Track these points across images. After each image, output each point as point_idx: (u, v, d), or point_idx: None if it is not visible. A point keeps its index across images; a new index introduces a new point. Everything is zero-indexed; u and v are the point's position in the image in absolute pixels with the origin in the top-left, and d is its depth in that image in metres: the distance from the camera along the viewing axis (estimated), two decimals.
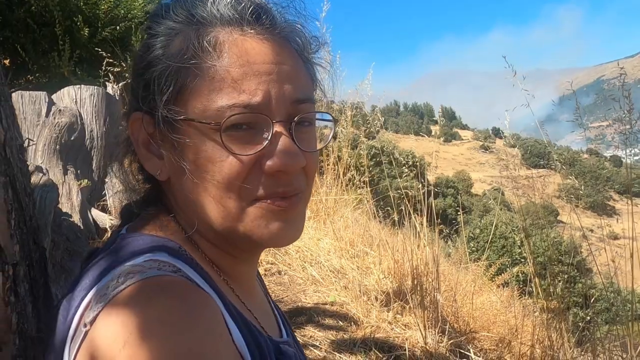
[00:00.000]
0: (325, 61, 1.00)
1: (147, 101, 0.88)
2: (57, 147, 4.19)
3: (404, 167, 4.43)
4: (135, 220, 0.95)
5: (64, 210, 3.59)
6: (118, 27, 7.08)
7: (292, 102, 0.87)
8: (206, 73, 0.83)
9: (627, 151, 3.55)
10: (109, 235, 3.72)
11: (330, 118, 1.00)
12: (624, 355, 3.25)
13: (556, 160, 3.99)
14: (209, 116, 0.82)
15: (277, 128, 0.85)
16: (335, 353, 3.12)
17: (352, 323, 3.53)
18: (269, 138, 0.84)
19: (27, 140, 3.47)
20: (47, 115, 4.35)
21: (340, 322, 3.53)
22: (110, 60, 5.40)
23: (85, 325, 0.71)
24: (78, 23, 6.55)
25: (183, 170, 0.86)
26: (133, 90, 0.91)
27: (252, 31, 0.86)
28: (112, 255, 0.82)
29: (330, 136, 1.03)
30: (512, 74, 3.57)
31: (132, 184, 1.00)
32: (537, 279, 3.68)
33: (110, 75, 5.58)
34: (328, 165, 5.75)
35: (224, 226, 0.87)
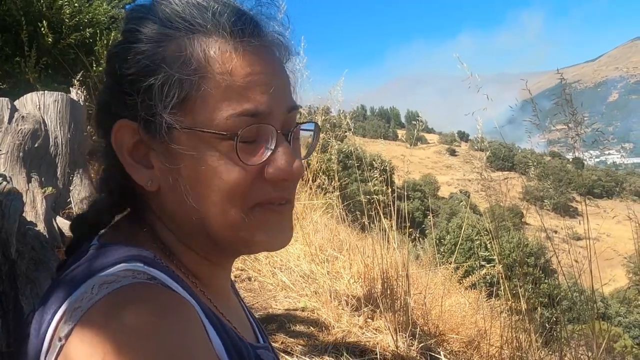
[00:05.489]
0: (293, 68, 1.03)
1: (137, 109, 0.86)
2: (21, 154, 4.09)
3: (375, 171, 4.46)
4: (106, 231, 0.94)
5: (28, 219, 3.51)
6: (82, 33, 6.96)
7: (287, 110, 0.90)
8: (211, 83, 0.83)
9: (588, 153, 3.64)
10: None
11: (313, 127, 1.04)
12: (589, 354, 3.32)
13: (530, 164, 4.08)
14: (217, 125, 0.83)
15: (279, 138, 0.87)
16: (307, 359, 3.12)
17: (324, 328, 3.53)
18: (273, 147, 0.86)
19: None
20: (9, 122, 4.25)
21: (311, 328, 3.53)
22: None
23: (60, 340, 0.70)
24: (42, 29, 6.42)
25: (178, 180, 0.85)
26: (116, 97, 0.88)
27: (254, 42, 0.87)
28: (85, 267, 0.80)
29: (313, 144, 1.06)
30: (474, 78, 3.64)
31: (101, 194, 0.98)
32: (504, 281, 3.74)
33: (74, 81, 5.48)
34: None
35: (223, 234, 0.88)
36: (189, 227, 0.89)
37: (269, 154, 0.86)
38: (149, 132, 0.86)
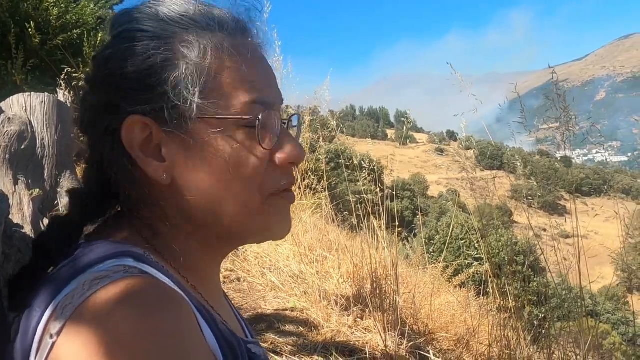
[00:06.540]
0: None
1: (151, 103, 0.86)
2: (7, 156, 4.04)
3: (363, 171, 4.46)
4: (91, 231, 0.94)
5: (15, 221, 3.47)
6: (70, 34, 6.92)
7: (281, 102, 0.98)
8: (226, 73, 0.88)
9: (576, 152, 3.67)
10: None
11: (297, 120, 1.12)
12: (577, 352, 3.34)
13: (518, 162, 4.10)
14: (237, 112, 0.87)
15: (283, 126, 0.95)
16: (296, 359, 3.12)
17: (313, 328, 3.53)
18: (278, 134, 0.91)
19: None
20: None
21: (300, 328, 3.53)
22: (71, 71, 5.28)
23: (52, 337, 0.69)
24: (29, 30, 6.37)
25: (195, 170, 0.87)
26: (120, 95, 0.87)
27: (250, 40, 0.95)
28: (74, 264, 0.80)
29: (297, 135, 1.11)
30: (466, 81, 3.66)
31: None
32: (493, 280, 3.76)
33: (61, 83, 5.45)
34: None
35: (239, 223, 0.91)
36: (199, 219, 0.90)
37: (275, 140, 0.90)
38: (164, 126, 0.87)
